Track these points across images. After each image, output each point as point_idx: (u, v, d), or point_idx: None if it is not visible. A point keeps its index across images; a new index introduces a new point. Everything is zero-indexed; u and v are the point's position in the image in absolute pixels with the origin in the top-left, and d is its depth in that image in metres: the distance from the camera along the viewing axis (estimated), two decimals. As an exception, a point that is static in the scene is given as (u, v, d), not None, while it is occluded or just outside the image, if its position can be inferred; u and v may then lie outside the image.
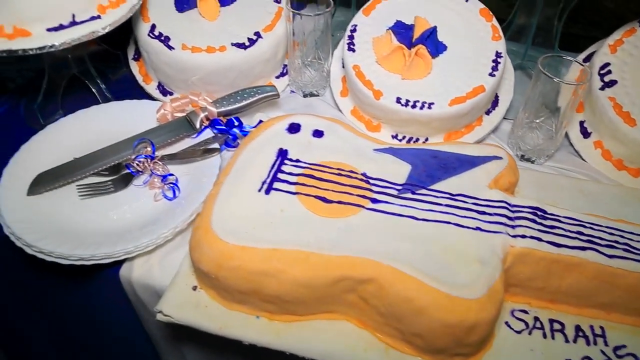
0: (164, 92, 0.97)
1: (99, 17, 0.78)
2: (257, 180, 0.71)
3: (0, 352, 1.04)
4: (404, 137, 0.92)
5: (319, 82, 1.00)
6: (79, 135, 0.87)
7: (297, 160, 0.74)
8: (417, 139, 0.91)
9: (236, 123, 0.86)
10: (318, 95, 1.02)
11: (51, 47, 0.74)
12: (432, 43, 0.89)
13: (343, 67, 0.97)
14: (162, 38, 0.89)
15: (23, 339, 0.96)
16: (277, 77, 1.02)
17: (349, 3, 1.10)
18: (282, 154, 0.75)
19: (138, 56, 1.00)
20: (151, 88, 0.98)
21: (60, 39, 0.74)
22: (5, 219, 0.72)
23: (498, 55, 0.90)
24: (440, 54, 0.90)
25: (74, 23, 0.76)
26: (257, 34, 0.92)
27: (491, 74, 0.88)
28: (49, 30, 0.75)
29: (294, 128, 0.79)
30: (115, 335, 0.87)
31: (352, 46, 0.92)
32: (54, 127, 0.87)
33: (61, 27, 0.75)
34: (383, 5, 0.96)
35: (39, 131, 0.93)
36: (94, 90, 0.94)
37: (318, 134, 0.79)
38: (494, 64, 0.89)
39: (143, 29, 0.91)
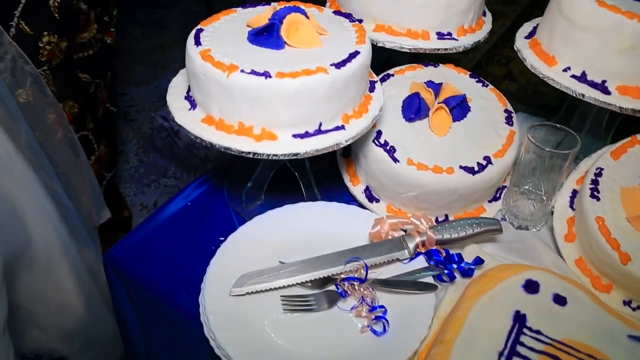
0: (371, 197, 0.91)
1: (343, 127, 0.74)
2: (493, 350, 0.62)
3: None
4: (638, 307, 0.78)
5: (539, 217, 0.89)
6: (285, 233, 0.82)
7: (538, 332, 0.64)
8: (656, 311, 0.77)
9: (456, 259, 0.78)
10: (534, 230, 0.91)
11: (295, 155, 0.70)
12: (702, 211, 0.75)
13: (572, 208, 0.86)
14: (388, 148, 0.84)
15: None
16: (490, 202, 0.93)
17: (599, 132, 0.99)
18: (520, 320, 0.65)
19: (348, 153, 0.95)
20: (357, 190, 0.92)
21: (305, 148, 0.71)
22: (210, 320, 0.69)
23: None
24: None
25: (319, 132, 0.72)
26: (488, 159, 0.84)
27: None
28: (294, 136, 0.71)
29: (531, 287, 0.69)
30: None
31: (596, 193, 0.81)
32: (261, 220, 0.83)
33: (307, 134, 0.72)
34: (635, 152, 0.84)
35: (239, 213, 0.92)
36: (301, 183, 0.90)
37: (560, 300, 0.68)
38: None
39: (368, 133, 0.86)
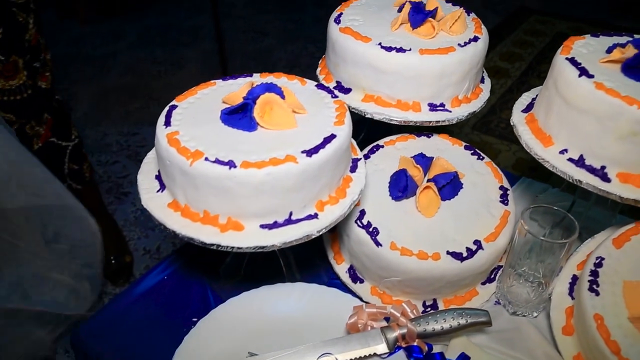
0: (354, 277, 0.86)
1: (316, 215, 0.69)
2: None
3: None
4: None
5: (536, 304, 0.83)
6: (258, 319, 0.78)
7: None
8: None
9: (438, 359, 0.71)
10: (530, 316, 0.84)
11: (261, 248, 0.66)
12: None
13: (571, 296, 0.79)
14: (371, 229, 0.79)
15: None
16: (484, 284, 0.86)
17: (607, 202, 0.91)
18: None
19: (334, 229, 0.90)
20: (341, 269, 0.87)
21: (272, 240, 0.66)
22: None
23: None
24: None
25: (289, 221, 0.68)
26: (478, 244, 0.78)
27: None
28: (262, 227, 0.67)
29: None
30: None
31: (595, 286, 0.74)
32: (234, 303, 0.79)
33: (275, 224, 0.68)
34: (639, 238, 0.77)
35: (216, 290, 0.88)
36: (281, 260, 0.86)
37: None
38: None
39: (351, 213, 0.81)
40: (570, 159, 0.75)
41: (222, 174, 0.63)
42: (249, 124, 0.70)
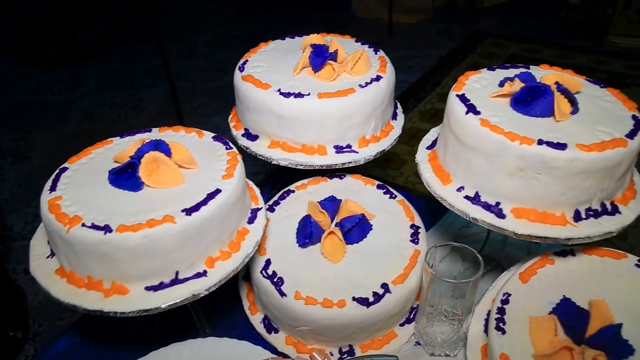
0: (269, 327, 0.84)
1: (204, 273, 0.68)
2: None
3: None
4: None
5: (453, 342, 0.81)
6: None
7: None
8: None
9: (343, 411, 0.69)
10: (449, 355, 0.82)
11: (145, 311, 0.64)
12: (615, 348, 0.66)
13: (486, 334, 0.78)
14: (275, 279, 0.77)
15: None
16: (402, 325, 0.85)
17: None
18: None
19: (249, 277, 0.89)
20: (256, 320, 0.85)
21: (157, 302, 0.65)
22: None
23: None
24: (625, 359, 0.67)
25: (176, 281, 0.66)
26: (385, 287, 0.77)
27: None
28: (147, 289, 0.65)
29: None
30: None
31: (501, 324, 0.72)
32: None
33: (161, 285, 0.66)
34: (546, 272, 0.76)
35: (129, 349, 0.85)
36: (193, 315, 0.84)
37: None
38: None
39: (257, 263, 0.80)
40: (466, 197, 0.75)
41: (98, 239, 0.62)
42: (135, 184, 0.69)
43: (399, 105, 1.02)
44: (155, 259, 0.64)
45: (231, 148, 0.77)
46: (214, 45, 3.61)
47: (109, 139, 0.81)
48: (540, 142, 0.67)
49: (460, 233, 1.03)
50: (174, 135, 0.80)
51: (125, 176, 0.70)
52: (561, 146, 0.66)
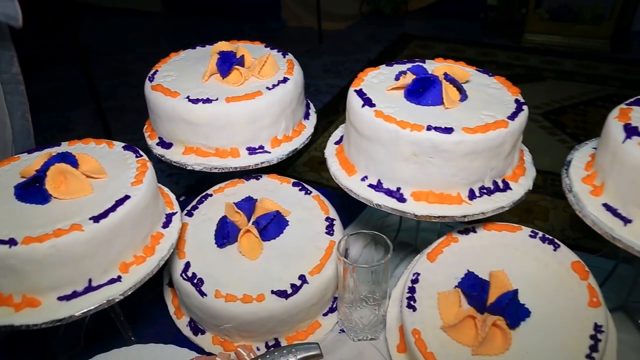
0: (196, 330, 0.85)
1: (119, 279, 0.69)
2: None
3: None
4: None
5: (374, 326, 0.85)
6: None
7: None
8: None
9: (267, 399, 0.72)
10: (373, 339, 0.86)
11: (59, 321, 0.64)
12: (512, 311, 0.72)
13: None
14: (195, 281, 0.79)
15: None
16: (325, 315, 0.88)
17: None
18: None
19: (173, 283, 0.90)
20: (182, 324, 0.87)
21: (70, 311, 0.65)
22: None
23: (598, 329, 0.71)
24: (522, 321, 0.73)
25: (89, 289, 0.67)
26: (303, 279, 0.80)
27: (589, 356, 0.69)
28: (60, 299, 0.66)
29: None
30: None
31: (412, 302, 0.77)
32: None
33: (74, 294, 0.66)
34: (452, 250, 0.82)
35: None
36: (117, 324, 0.84)
37: None
38: (592, 342, 0.70)
39: (177, 266, 0.82)
40: (370, 185, 0.79)
41: (3, 253, 0.62)
42: (42, 197, 0.69)
43: (311, 105, 1.06)
44: (66, 269, 0.65)
45: (141, 156, 0.79)
46: (145, 62, 3.56)
47: (15, 156, 0.81)
48: (429, 128, 0.72)
49: (379, 224, 1.08)
50: (84, 148, 0.81)
51: (32, 190, 0.70)
52: (448, 130, 0.72)
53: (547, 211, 2.10)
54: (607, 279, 0.89)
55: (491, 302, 0.74)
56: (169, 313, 0.90)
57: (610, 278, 0.90)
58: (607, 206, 0.72)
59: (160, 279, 0.95)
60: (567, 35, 3.41)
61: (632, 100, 0.78)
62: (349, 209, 1.09)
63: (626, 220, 0.69)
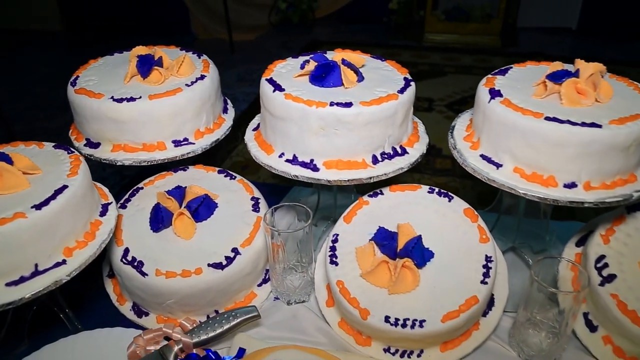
0: (139, 312, 0.91)
1: (64, 262, 0.74)
2: None
3: None
4: (397, 351, 0.85)
5: (304, 289, 0.95)
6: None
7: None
8: (412, 352, 0.84)
9: (214, 357, 0.79)
10: (304, 301, 0.96)
11: (9, 304, 0.69)
12: (418, 254, 0.85)
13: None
14: (135, 264, 0.86)
15: None
16: (260, 285, 0.97)
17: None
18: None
19: (113, 274, 0.95)
20: (125, 309, 0.92)
21: (19, 294, 0.70)
22: None
23: (488, 259, 0.85)
24: (427, 262, 0.86)
25: (36, 273, 0.72)
26: (235, 251, 0.89)
27: (483, 282, 0.83)
28: (8, 284, 0.71)
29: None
30: None
31: (334, 259, 0.88)
32: (16, 369, 0.80)
33: (22, 279, 0.71)
34: (364, 212, 0.94)
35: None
36: (62, 316, 0.88)
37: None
38: (485, 270, 0.84)
39: (116, 253, 0.88)
40: (287, 160, 0.90)
41: (-51, 245, 0.66)
42: (-19, 194, 0.74)
43: (228, 101, 1.15)
44: (12, 255, 0.70)
45: (73, 152, 0.85)
46: (50, 83, 3.48)
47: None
48: (332, 104, 0.84)
49: (302, 202, 1.18)
50: (14, 149, 0.85)
51: (-31, 190, 0.74)
52: (348, 105, 0.84)
53: (456, 191, 2.28)
54: (495, 225, 1.04)
55: (400, 249, 0.86)
56: (111, 302, 0.95)
57: (498, 227, 1.06)
58: (483, 156, 0.86)
59: (99, 272, 1.00)
60: (462, 33, 3.71)
61: (496, 70, 0.94)
62: (275, 195, 1.20)
63: (498, 165, 0.84)
